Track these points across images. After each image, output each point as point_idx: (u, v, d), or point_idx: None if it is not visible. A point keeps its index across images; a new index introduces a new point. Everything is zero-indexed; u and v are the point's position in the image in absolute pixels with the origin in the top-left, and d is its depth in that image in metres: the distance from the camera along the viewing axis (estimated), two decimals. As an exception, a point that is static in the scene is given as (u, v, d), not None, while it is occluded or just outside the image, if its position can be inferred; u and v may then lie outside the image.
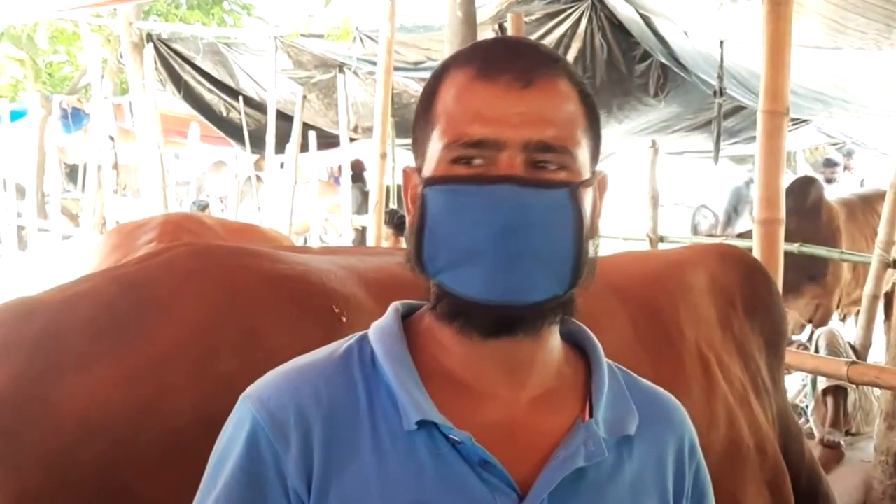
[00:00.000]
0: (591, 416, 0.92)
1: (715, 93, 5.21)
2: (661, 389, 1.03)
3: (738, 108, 6.53)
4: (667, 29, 5.28)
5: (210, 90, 8.36)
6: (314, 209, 7.63)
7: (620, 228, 6.61)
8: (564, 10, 5.62)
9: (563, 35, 5.75)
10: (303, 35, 7.42)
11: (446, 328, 0.90)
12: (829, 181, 8.39)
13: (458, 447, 0.87)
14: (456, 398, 0.89)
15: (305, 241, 8.25)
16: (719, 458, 1.52)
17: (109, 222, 8.08)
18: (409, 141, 1.11)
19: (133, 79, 8.39)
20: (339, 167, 9.48)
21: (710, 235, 8.83)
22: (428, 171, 0.89)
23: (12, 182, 9.73)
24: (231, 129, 8.71)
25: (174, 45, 7.99)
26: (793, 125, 6.90)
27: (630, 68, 6.11)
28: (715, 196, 11.87)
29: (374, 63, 5.31)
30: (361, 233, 7.33)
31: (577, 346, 0.99)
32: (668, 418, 0.99)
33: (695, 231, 10.77)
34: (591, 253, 0.91)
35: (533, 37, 5.63)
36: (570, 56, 5.86)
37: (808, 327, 5.73)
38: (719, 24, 4.58)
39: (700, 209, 11.44)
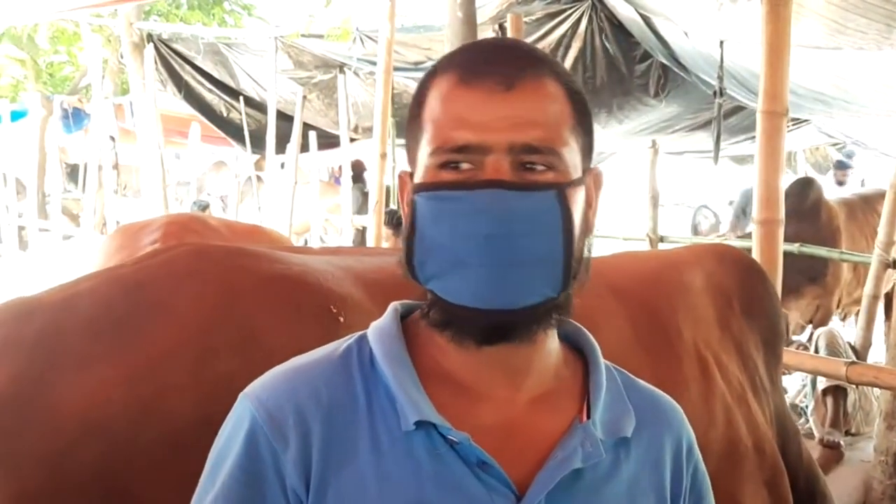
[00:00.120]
0: (588, 417, 0.92)
1: (715, 93, 5.20)
2: (658, 391, 1.03)
3: (741, 107, 6.53)
4: (667, 29, 5.28)
5: (210, 90, 8.36)
6: (314, 209, 7.63)
7: (620, 228, 6.62)
8: (564, 11, 5.61)
9: (563, 35, 5.75)
10: (303, 35, 7.42)
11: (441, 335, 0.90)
12: (840, 184, 8.33)
13: (456, 448, 0.87)
14: (454, 399, 0.90)
15: (306, 242, 8.25)
16: (717, 458, 1.52)
17: (110, 222, 8.08)
18: (408, 142, 1.11)
19: (134, 79, 8.39)
20: (340, 167, 9.48)
21: (720, 236, 8.82)
22: (418, 177, 0.90)
23: (12, 182, 9.73)
24: (231, 130, 8.71)
25: (175, 46, 7.99)
26: (793, 125, 6.90)
27: (630, 68, 6.10)
28: (715, 196, 11.87)
29: (375, 63, 5.31)
30: (361, 233, 7.33)
31: (575, 347, 0.99)
32: (666, 420, 0.99)
33: (695, 231, 10.78)
34: (584, 252, 0.91)
35: (533, 37, 5.64)
36: (571, 56, 5.86)
37: (808, 328, 5.72)
38: (719, 25, 4.58)
39: (700, 209, 11.45)
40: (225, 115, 8.63)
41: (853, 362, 2.63)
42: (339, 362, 0.92)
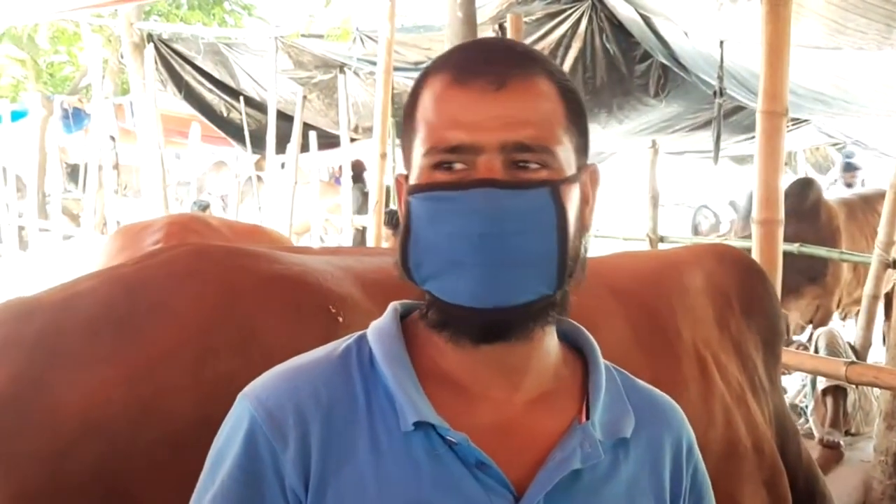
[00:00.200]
0: (587, 418, 0.92)
1: (715, 93, 5.20)
2: (658, 391, 1.03)
3: (742, 106, 6.52)
4: (667, 29, 5.28)
5: (211, 90, 8.36)
6: (315, 209, 7.63)
7: (620, 228, 6.62)
8: (564, 11, 5.61)
9: (564, 35, 5.75)
10: (303, 35, 7.42)
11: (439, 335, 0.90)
12: (849, 186, 8.27)
13: (454, 448, 0.87)
14: (453, 399, 0.90)
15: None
16: (717, 458, 1.52)
17: (110, 222, 8.08)
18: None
19: (134, 79, 8.39)
20: (340, 167, 9.48)
21: (720, 237, 8.80)
22: (412, 178, 0.90)
23: (12, 182, 9.73)
24: (232, 130, 8.71)
25: (175, 46, 7.99)
26: (793, 125, 6.90)
27: (630, 68, 6.10)
28: (715, 196, 11.87)
29: (375, 63, 5.32)
30: (361, 233, 7.34)
31: (574, 347, 0.99)
32: (666, 420, 0.99)
33: (695, 231, 10.78)
34: (580, 249, 0.91)
35: (533, 37, 5.64)
36: (571, 56, 5.86)
37: (808, 328, 5.72)
38: (719, 25, 4.58)
39: (701, 209, 11.45)
40: (225, 115, 8.63)
41: (853, 362, 2.63)
42: (338, 362, 0.92)
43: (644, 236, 5.87)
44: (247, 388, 0.91)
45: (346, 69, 7.45)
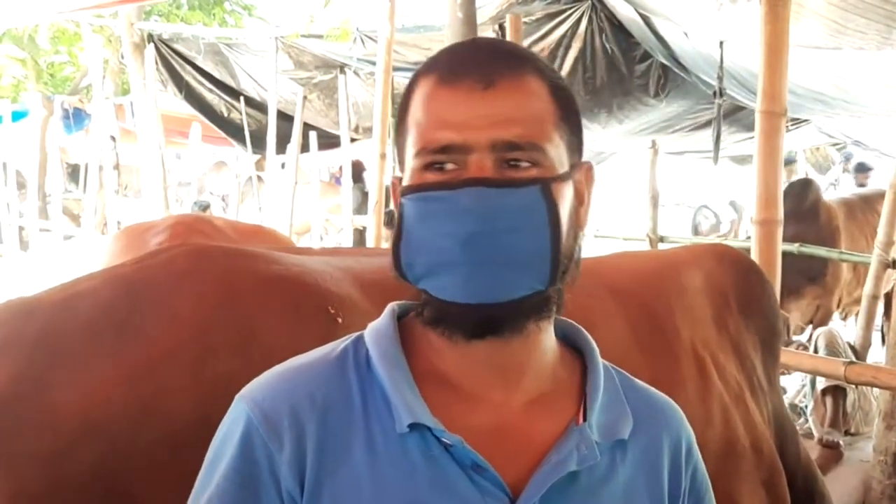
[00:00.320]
0: (584, 419, 0.92)
1: (715, 93, 5.21)
2: (658, 392, 1.03)
3: (742, 106, 6.52)
4: (667, 29, 5.28)
5: (211, 90, 8.36)
6: (315, 209, 7.64)
7: (620, 228, 6.63)
8: (564, 11, 5.61)
9: (563, 35, 5.75)
10: (303, 35, 7.42)
11: (434, 333, 0.90)
12: (861, 186, 8.23)
13: (450, 450, 0.87)
14: (449, 401, 0.90)
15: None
16: (715, 457, 1.52)
17: (111, 223, 8.09)
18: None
19: (134, 79, 8.39)
20: (340, 167, 9.49)
21: (720, 237, 8.79)
22: (405, 180, 0.90)
23: (13, 183, 9.73)
24: (232, 130, 8.71)
25: (175, 46, 8.00)
26: (792, 125, 6.90)
27: (630, 68, 6.10)
28: (715, 196, 11.86)
29: (375, 63, 5.32)
30: (361, 233, 7.34)
31: (573, 347, 0.99)
32: (665, 420, 0.99)
33: (695, 231, 10.77)
34: (574, 246, 0.91)
35: (533, 37, 5.64)
36: (571, 56, 5.86)
37: (808, 329, 5.73)
38: (719, 25, 4.58)
39: (701, 209, 11.44)
40: (225, 115, 8.63)
41: (852, 362, 2.63)
42: (335, 363, 0.92)
43: (644, 236, 5.88)
44: (244, 390, 0.91)
45: (346, 69, 7.45)
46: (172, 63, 8.03)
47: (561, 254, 0.87)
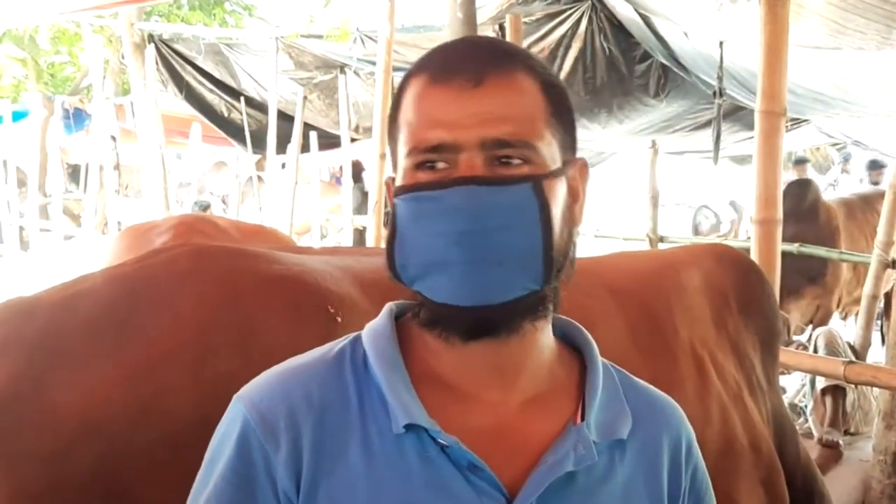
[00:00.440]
0: (583, 418, 0.91)
1: (715, 93, 5.21)
2: (658, 391, 1.02)
3: (743, 106, 6.53)
4: (667, 29, 5.28)
5: (211, 91, 8.36)
6: (315, 209, 7.64)
7: (620, 228, 6.63)
8: (564, 11, 5.62)
9: (563, 36, 5.75)
10: (303, 36, 7.43)
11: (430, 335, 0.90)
12: (875, 184, 8.19)
13: (446, 450, 0.86)
14: (446, 401, 0.89)
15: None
16: (713, 456, 1.52)
17: (111, 223, 8.10)
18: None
19: (135, 79, 8.40)
20: (340, 167, 9.49)
21: (720, 237, 8.78)
22: (398, 180, 0.90)
23: (13, 181, 9.74)
24: (232, 130, 8.71)
25: (176, 46, 8.00)
26: (792, 125, 6.90)
27: (630, 68, 6.10)
28: (715, 196, 11.87)
29: (375, 63, 5.32)
30: (361, 233, 7.34)
31: (572, 346, 0.98)
32: (665, 419, 0.99)
33: (696, 231, 10.78)
34: (568, 244, 0.91)
35: (533, 37, 5.65)
36: (571, 56, 5.86)
37: (808, 329, 5.73)
38: (719, 25, 4.58)
39: (701, 209, 11.45)
40: (226, 115, 8.64)
41: (851, 362, 2.63)
42: (332, 364, 0.92)
43: (644, 236, 5.88)
44: (241, 391, 0.91)
45: (346, 69, 7.45)
46: (173, 63, 8.03)
47: (554, 251, 0.87)
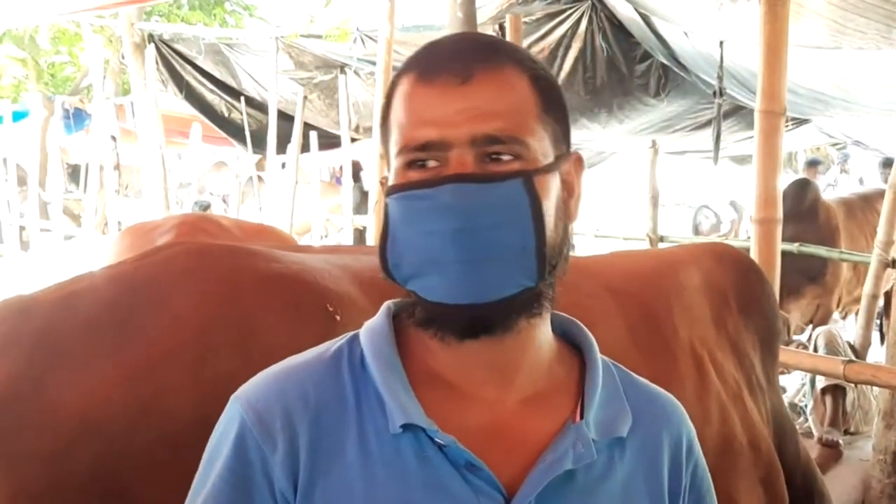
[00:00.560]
0: (582, 416, 0.91)
1: (715, 93, 5.21)
2: (659, 388, 1.02)
3: (743, 106, 6.53)
4: (667, 29, 5.28)
5: (212, 90, 8.36)
6: (315, 209, 7.64)
7: (620, 228, 6.63)
8: (564, 11, 5.61)
9: (563, 35, 5.75)
10: (303, 35, 7.43)
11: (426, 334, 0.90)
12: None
13: (443, 450, 0.86)
14: (444, 400, 0.89)
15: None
16: (712, 454, 1.51)
17: (111, 223, 8.10)
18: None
19: (135, 79, 8.40)
20: (341, 167, 9.49)
21: (720, 236, 8.78)
22: (390, 179, 0.90)
23: (13, 180, 9.74)
24: (233, 130, 8.71)
25: (176, 46, 8.00)
26: (792, 125, 6.90)
27: (630, 68, 6.09)
28: (715, 196, 11.86)
29: (375, 63, 5.32)
30: (361, 233, 7.34)
31: (572, 343, 0.98)
32: (665, 417, 0.98)
33: (696, 231, 10.77)
34: (563, 239, 0.90)
35: (533, 37, 5.64)
36: (571, 56, 5.86)
37: (808, 328, 5.73)
38: (719, 25, 4.58)
39: (701, 209, 11.44)
40: (226, 115, 8.64)
41: (851, 361, 2.63)
42: (329, 363, 0.92)
43: (644, 236, 5.88)
44: (239, 391, 0.91)
45: (346, 69, 7.45)
46: (173, 63, 8.03)
47: (548, 247, 0.86)
